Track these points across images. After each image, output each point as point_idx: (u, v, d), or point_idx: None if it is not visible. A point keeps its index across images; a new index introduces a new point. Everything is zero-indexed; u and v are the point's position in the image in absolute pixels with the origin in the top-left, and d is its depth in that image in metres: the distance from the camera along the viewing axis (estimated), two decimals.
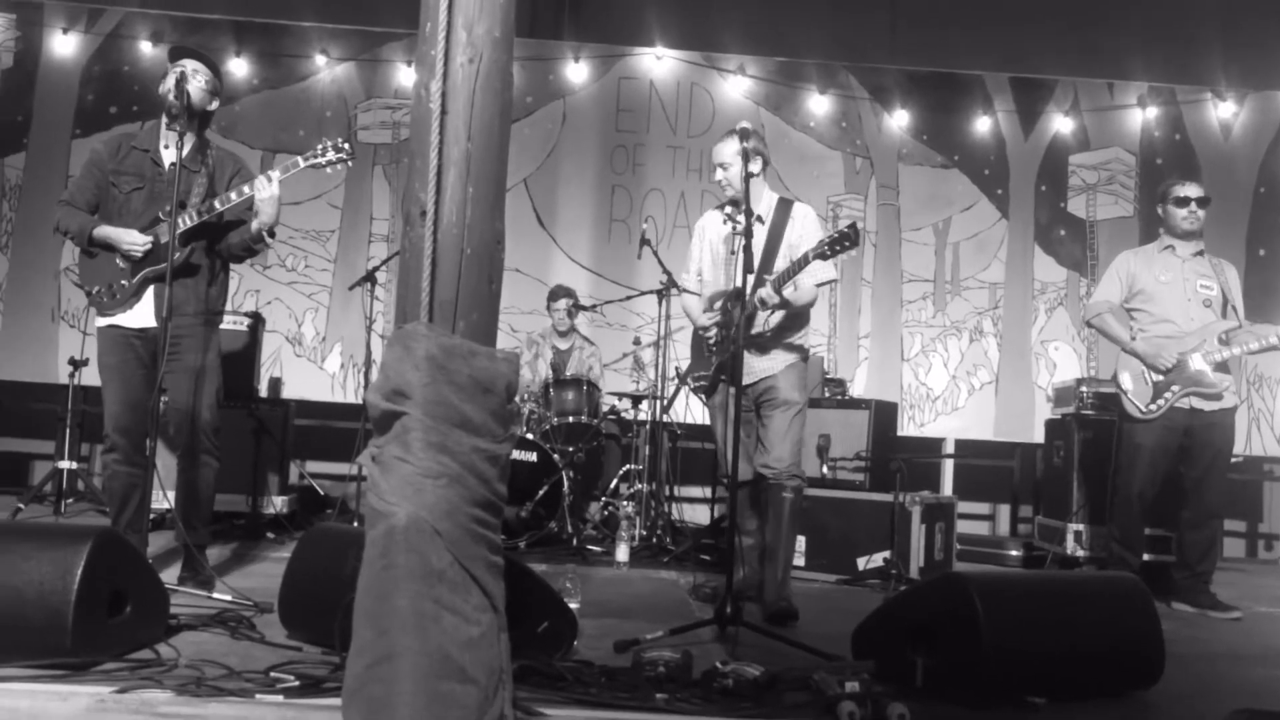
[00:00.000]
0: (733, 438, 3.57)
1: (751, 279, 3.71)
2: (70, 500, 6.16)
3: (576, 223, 7.52)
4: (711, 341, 4.14)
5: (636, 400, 6.22)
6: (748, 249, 3.52)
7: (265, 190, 3.73)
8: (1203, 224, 4.81)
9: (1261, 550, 7.93)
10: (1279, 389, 7.39)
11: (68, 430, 6.25)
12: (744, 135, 3.83)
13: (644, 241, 5.99)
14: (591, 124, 7.57)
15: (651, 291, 6.22)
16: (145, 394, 3.76)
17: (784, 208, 4.14)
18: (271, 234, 3.84)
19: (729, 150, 4.04)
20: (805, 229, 4.08)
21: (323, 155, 3.84)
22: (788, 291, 3.90)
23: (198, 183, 3.81)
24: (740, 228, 3.61)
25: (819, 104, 7.61)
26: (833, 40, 7.84)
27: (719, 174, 4.10)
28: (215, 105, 3.99)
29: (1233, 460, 4.87)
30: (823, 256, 3.72)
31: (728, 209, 4.12)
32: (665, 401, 5.94)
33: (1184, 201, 4.78)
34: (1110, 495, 4.90)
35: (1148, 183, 7.50)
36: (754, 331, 4.00)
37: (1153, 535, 5.23)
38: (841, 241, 3.66)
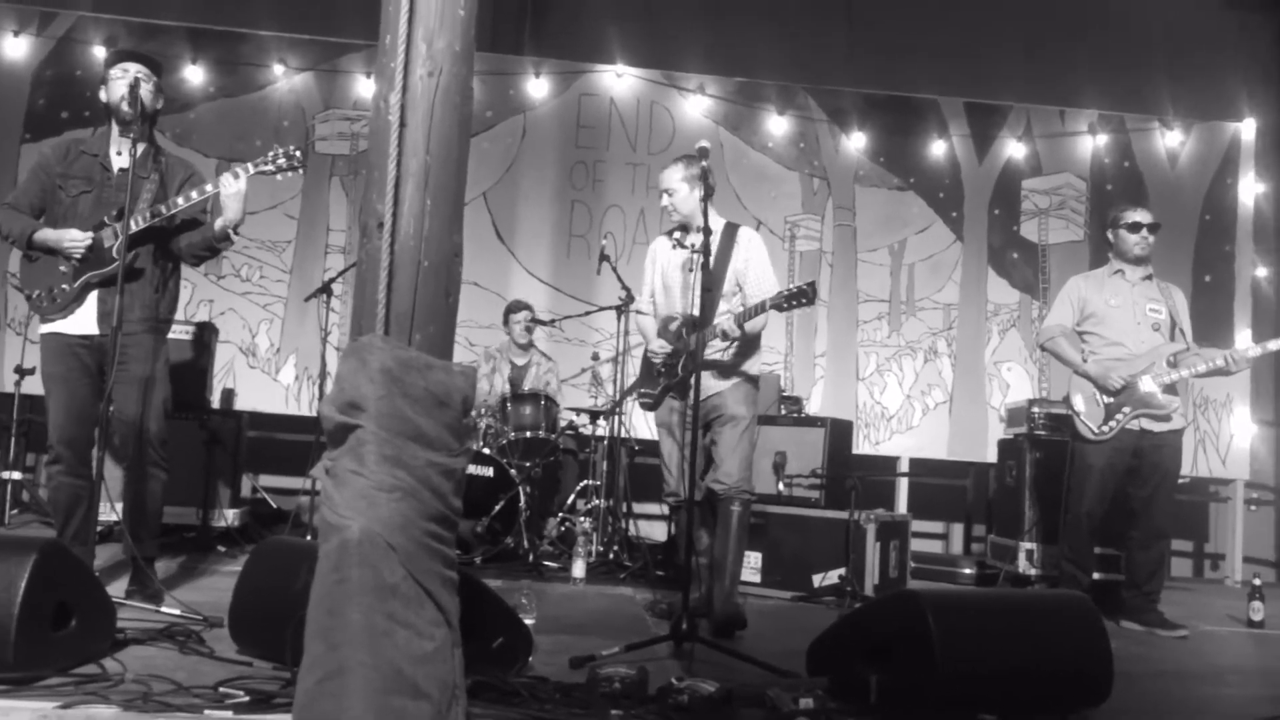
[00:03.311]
0: (688, 454, 3.59)
1: (703, 300, 3.81)
2: (15, 512, 6.02)
3: (536, 237, 7.51)
4: (660, 363, 4.25)
5: (594, 416, 6.21)
6: (706, 266, 3.59)
7: (231, 186, 3.69)
8: (1151, 249, 4.93)
9: (1207, 570, 8.08)
10: (1224, 411, 7.54)
11: (12, 440, 6.12)
12: (703, 154, 3.89)
13: (603, 257, 6.01)
14: (551, 139, 7.57)
15: (610, 307, 6.23)
16: (91, 404, 3.69)
17: (729, 232, 4.24)
18: (236, 231, 3.79)
19: (674, 177, 4.21)
20: (750, 254, 4.20)
21: (272, 162, 3.81)
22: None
23: (147, 188, 3.75)
24: (698, 246, 3.67)
25: (777, 125, 7.68)
26: (792, 62, 7.91)
27: (664, 200, 4.22)
28: (161, 103, 3.96)
29: (1180, 481, 4.96)
30: (779, 308, 3.88)
31: (676, 234, 4.27)
32: (617, 402, 5.95)
33: (1136, 227, 4.89)
34: (1061, 514, 4.97)
35: (1098, 208, 7.65)
36: (710, 357, 4.10)
37: (1102, 554, 5.32)
38: (799, 298, 3.81)
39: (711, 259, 4.06)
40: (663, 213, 4.30)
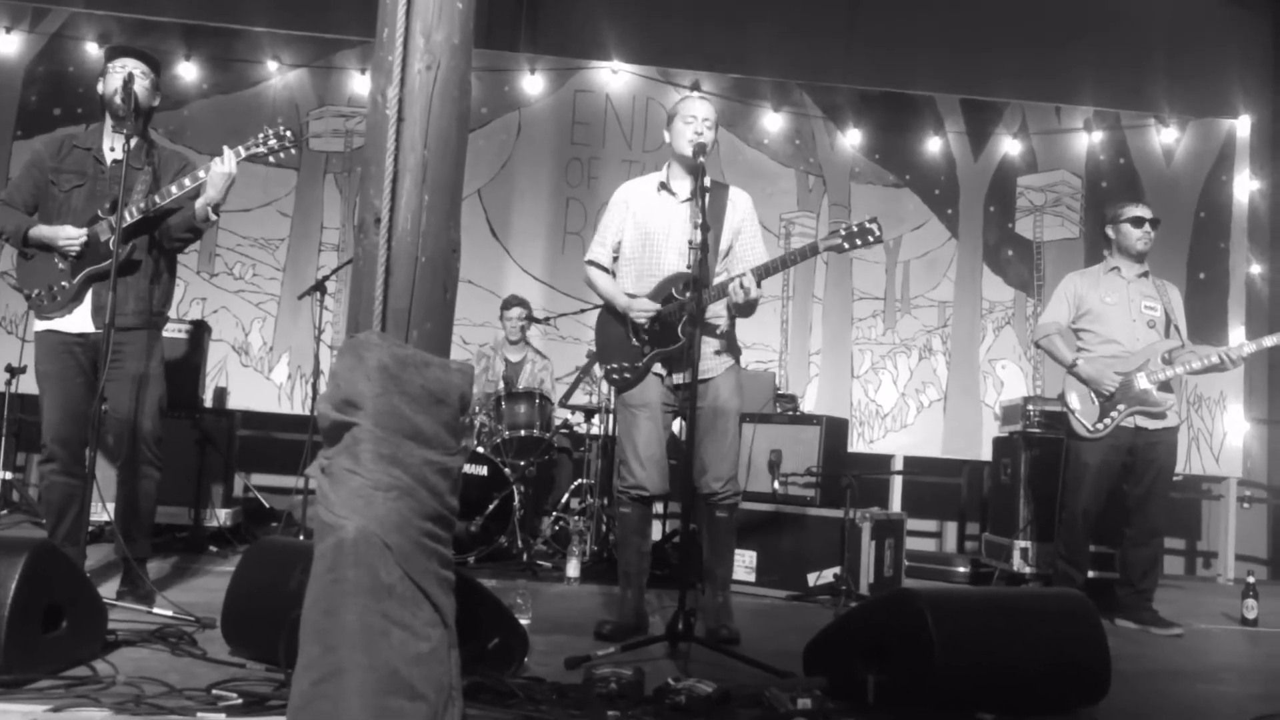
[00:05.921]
0: (688, 441, 3.51)
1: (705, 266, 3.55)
2: (5, 512, 5.99)
3: (530, 235, 7.49)
4: (646, 326, 3.76)
5: (589, 414, 6.19)
6: (705, 227, 3.46)
7: (219, 167, 3.66)
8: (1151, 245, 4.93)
9: (1200, 568, 8.09)
10: (1218, 409, 7.55)
11: (3, 439, 6.09)
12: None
13: None
14: (547, 136, 7.56)
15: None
16: (85, 402, 3.66)
17: (720, 191, 3.86)
18: (216, 213, 3.75)
19: (708, 109, 3.82)
20: (745, 214, 3.89)
21: (263, 144, 3.78)
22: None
23: (140, 179, 3.73)
24: (697, 230, 3.47)
25: (773, 121, 7.67)
26: (787, 59, 7.91)
27: (693, 130, 3.72)
28: (158, 100, 3.94)
29: (1174, 479, 4.96)
30: (838, 250, 3.55)
31: (660, 180, 3.84)
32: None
33: (1139, 222, 4.88)
34: (1056, 512, 4.97)
35: (1093, 205, 7.66)
36: (709, 322, 3.74)
37: (1097, 552, 5.31)
38: (863, 235, 3.49)
39: (706, 217, 3.69)
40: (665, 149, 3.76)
